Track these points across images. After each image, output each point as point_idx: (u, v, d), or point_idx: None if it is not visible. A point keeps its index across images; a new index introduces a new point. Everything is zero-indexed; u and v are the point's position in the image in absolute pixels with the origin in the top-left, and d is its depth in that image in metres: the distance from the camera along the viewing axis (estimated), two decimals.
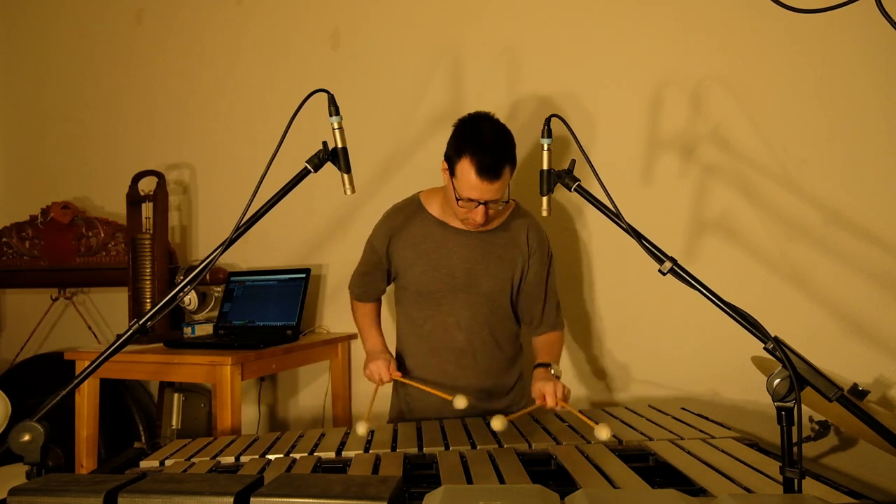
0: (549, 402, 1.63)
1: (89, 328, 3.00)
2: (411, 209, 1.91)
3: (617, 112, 2.26)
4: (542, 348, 1.89)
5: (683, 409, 1.79)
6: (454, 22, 2.48)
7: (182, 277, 2.03)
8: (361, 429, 1.58)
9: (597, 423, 1.48)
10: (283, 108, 2.55)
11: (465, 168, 1.65)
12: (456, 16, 2.48)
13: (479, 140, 1.66)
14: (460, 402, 1.66)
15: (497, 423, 1.53)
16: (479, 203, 1.68)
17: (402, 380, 1.86)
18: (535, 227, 1.91)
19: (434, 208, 1.89)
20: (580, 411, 1.62)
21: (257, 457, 1.48)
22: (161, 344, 2.39)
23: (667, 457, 1.34)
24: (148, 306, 2.56)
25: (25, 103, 3.29)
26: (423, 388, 1.81)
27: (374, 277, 1.97)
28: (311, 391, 2.71)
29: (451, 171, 1.70)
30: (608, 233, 2.28)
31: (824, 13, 1.21)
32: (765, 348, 1.04)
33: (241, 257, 2.79)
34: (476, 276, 1.85)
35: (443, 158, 1.75)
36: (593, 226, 2.32)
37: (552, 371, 1.76)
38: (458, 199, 1.70)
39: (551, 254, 1.95)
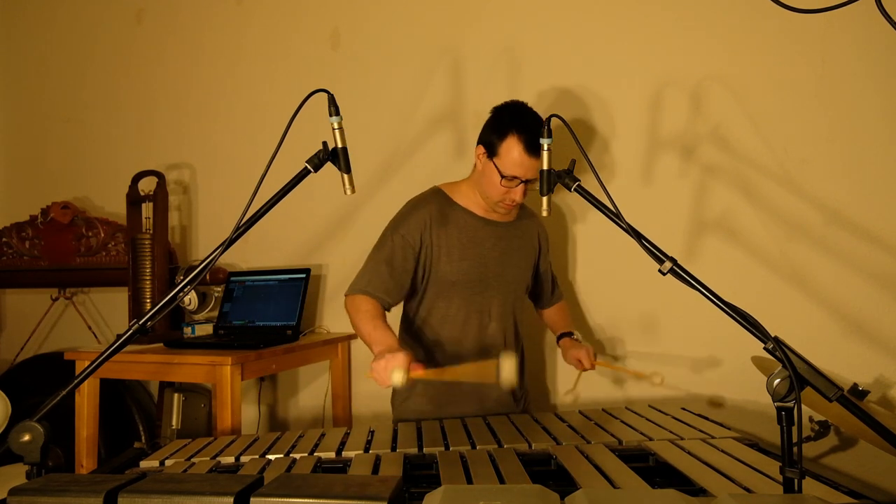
0: (586, 364, 1.92)
1: (89, 328, 3.00)
2: (440, 201, 1.90)
3: (617, 112, 2.27)
4: (557, 319, 2.13)
5: (683, 409, 1.79)
6: (454, 22, 2.48)
7: (182, 277, 2.03)
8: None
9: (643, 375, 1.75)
10: (283, 108, 2.54)
11: (512, 145, 1.74)
12: (456, 16, 2.48)
13: (524, 120, 1.77)
14: (508, 371, 1.50)
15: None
16: (521, 181, 1.77)
17: (426, 375, 1.65)
18: (541, 223, 2.07)
19: (461, 199, 1.91)
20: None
21: (257, 457, 1.48)
22: (161, 344, 2.39)
23: (667, 457, 1.33)
24: (148, 306, 2.56)
25: (25, 103, 3.29)
26: (450, 369, 1.77)
27: (403, 271, 1.83)
28: (311, 391, 2.71)
29: (492, 153, 1.78)
30: (608, 233, 2.27)
31: (824, 13, 1.21)
32: (765, 348, 1.04)
33: (241, 257, 2.79)
34: (505, 266, 1.92)
35: (478, 144, 1.84)
36: (593, 226, 2.32)
37: (576, 337, 2.02)
38: (502, 178, 1.77)
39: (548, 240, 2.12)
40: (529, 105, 1.84)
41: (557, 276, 2.21)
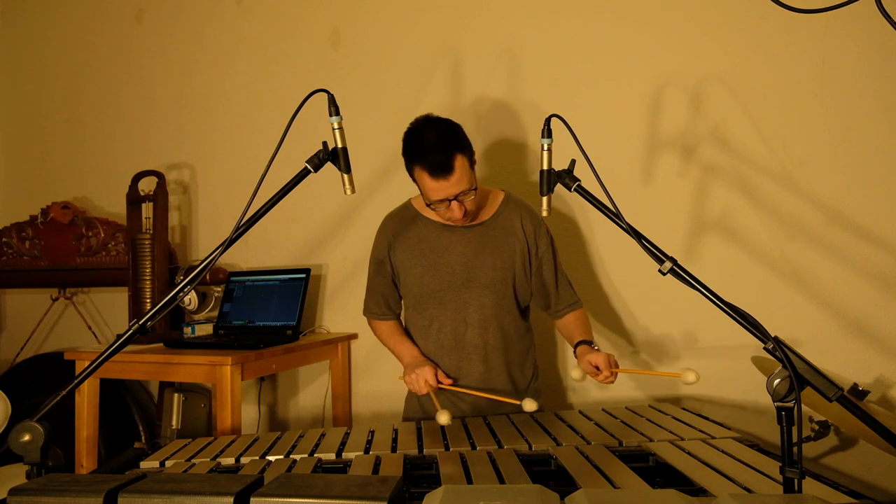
0: (605, 371, 1.68)
1: (89, 328, 3.00)
2: (405, 214, 1.94)
3: (617, 112, 2.27)
4: (574, 328, 1.91)
5: (683, 409, 1.79)
6: (454, 22, 2.48)
7: (182, 277, 2.03)
8: (444, 417, 1.57)
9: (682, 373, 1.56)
10: (283, 108, 2.56)
11: (421, 175, 1.71)
12: (456, 16, 2.48)
13: (423, 144, 1.71)
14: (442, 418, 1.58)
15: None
16: (450, 200, 1.73)
17: (453, 388, 1.82)
18: (529, 212, 1.92)
19: (427, 211, 1.89)
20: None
21: (257, 457, 1.48)
22: (161, 344, 2.39)
23: (667, 457, 1.33)
24: (148, 306, 2.56)
25: (25, 103, 3.29)
26: (479, 394, 1.79)
27: (389, 290, 1.96)
28: (311, 391, 2.71)
29: (415, 182, 1.78)
30: (608, 233, 2.28)
31: (824, 13, 1.21)
32: (765, 348, 1.04)
33: (241, 257, 2.79)
34: (475, 269, 1.86)
35: None
36: (592, 226, 2.32)
37: (595, 346, 1.81)
38: (428, 205, 1.77)
39: (551, 235, 1.95)
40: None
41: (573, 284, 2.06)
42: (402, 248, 1.90)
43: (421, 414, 1.93)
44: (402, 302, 1.99)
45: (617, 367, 1.71)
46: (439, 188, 1.69)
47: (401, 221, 1.93)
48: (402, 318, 2.03)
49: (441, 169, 1.67)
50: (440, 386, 1.79)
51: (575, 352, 1.83)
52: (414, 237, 1.89)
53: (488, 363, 1.87)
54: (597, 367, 1.69)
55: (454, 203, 1.73)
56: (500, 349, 1.88)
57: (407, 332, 1.99)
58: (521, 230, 1.89)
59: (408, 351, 1.90)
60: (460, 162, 1.68)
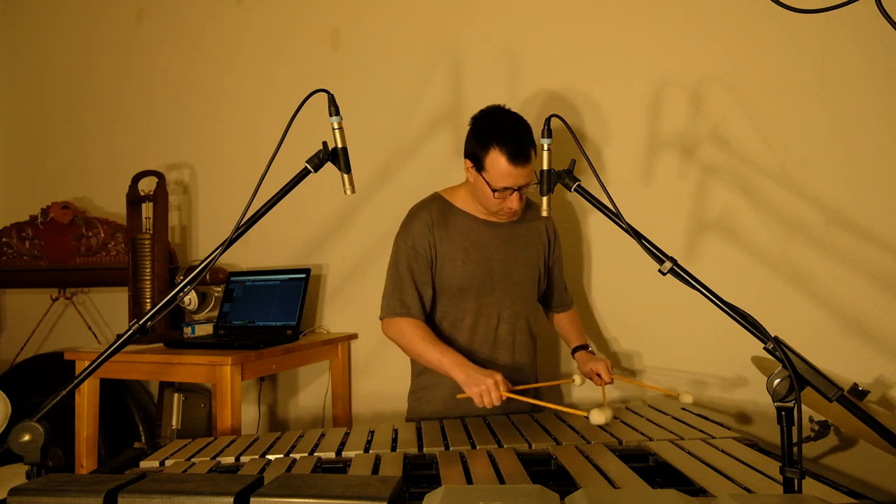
0: (605, 378, 1.83)
1: (89, 328, 3.00)
2: (440, 205, 1.91)
3: (617, 112, 2.27)
4: (570, 330, 2.07)
5: (683, 409, 1.79)
6: (454, 21, 2.48)
7: (182, 277, 2.03)
8: (599, 417, 1.52)
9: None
10: (283, 108, 2.55)
11: (496, 158, 1.71)
12: (455, 15, 2.48)
13: (503, 129, 1.73)
14: (598, 418, 1.53)
15: (599, 417, 1.53)
16: (514, 190, 1.74)
17: (516, 396, 1.66)
18: (550, 216, 1.94)
19: (461, 203, 1.90)
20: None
21: (257, 457, 1.48)
22: (161, 344, 2.39)
23: (667, 457, 1.33)
24: (148, 306, 2.56)
25: (25, 103, 3.29)
26: (551, 406, 1.63)
27: (425, 280, 1.85)
28: (311, 391, 2.71)
29: (480, 167, 1.76)
30: (608, 233, 2.28)
31: (824, 13, 1.21)
32: (765, 348, 1.04)
33: (241, 257, 2.79)
34: (511, 267, 1.90)
35: (464, 158, 1.81)
36: (592, 226, 2.32)
37: (591, 350, 1.98)
38: (493, 192, 1.75)
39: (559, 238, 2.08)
40: (521, 110, 1.80)
41: (568, 282, 2.15)
42: (445, 238, 1.86)
43: (444, 413, 1.83)
44: (434, 293, 1.89)
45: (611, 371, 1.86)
46: (513, 175, 1.71)
47: (438, 212, 1.89)
48: (437, 310, 1.91)
49: (520, 156, 1.69)
50: (511, 395, 1.64)
51: (574, 355, 2.00)
52: (454, 229, 1.88)
53: (515, 358, 1.91)
54: (598, 374, 1.84)
55: (516, 193, 1.75)
56: (527, 345, 1.95)
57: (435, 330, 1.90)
58: (546, 232, 2.00)
59: (460, 362, 1.71)
60: (533, 155, 1.72)
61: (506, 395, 1.62)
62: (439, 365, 1.75)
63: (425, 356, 1.78)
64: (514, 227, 1.92)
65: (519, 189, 1.75)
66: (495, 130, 1.72)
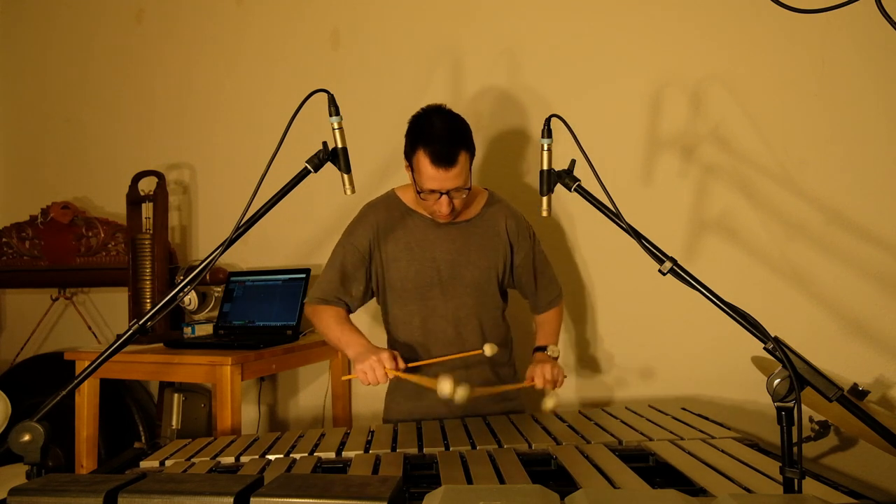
0: (538, 384, 1.75)
1: (89, 328, 3.00)
2: (389, 204, 1.91)
3: (617, 112, 2.26)
4: (539, 329, 2.00)
5: (683, 409, 1.79)
6: (454, 22, 2.48)
7: (182, 277, 2.03)
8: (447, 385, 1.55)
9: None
10: (283, 108, 2.55)
11: (421, 160, 1.68)
12: (456, 15, 2.48)
13: (431, 131, 1.69)
14: (453, 392, 1.57)
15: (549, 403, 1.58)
16: (441, 193, 1.71)
17: (404, 375, 1.66)
18: (512, 212, 1.93)
19: (413, 202, 1.88)
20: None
21: (257, 457, 1.48)
22: (161, 344, 2.39)
23: (667, 457, 1.33)
24: (148, 306, 2.56)
25: (25, 103, 3.29)
26: (443, 358, 1.75)
27: (357, 277, 1.87)
28: (311, 391, 2.71)
29: (410, 167, 1.75)
30: (608, 233, 2.28)
31: (824, 13, 1.21)
32: (765, 348, 1.04)
33: (241, 257, 2.79)
34: (460, 267, 1.85)
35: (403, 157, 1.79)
36: (592, 226, 2.32)
37: (549, 353, 1.88)
38: (419, 193, 1.73)
39: (533, 233, 1.96)
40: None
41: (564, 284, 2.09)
42: (389, 240, 1.86)
43: (416, 413, 1.84)
44: (381, 297, 1.90)
45: (557, 384, 1.77)
46: (437, 178, 1.68)
47: (387, 212, 1.89)
48: (382, 313, 1.95)
49: (445, 159, 1.66)
50: (400, 372, 1.64)
51: (532, 355, 1.92)
52: (401, 230, 1.87)
53: (467, 360, 1.84)
54: (533, 378, 1.77)
55: (444, 197, 1.71)
56: (477, 346, 1.84)
57: (386, 331, 1.94)
58: (505, 231, 1.90)
59: (356, 341, 1.74)
60: (463, 158, 1.69)
61: (392, 373, 1.62)
62: (338, 342, 1.79)
63: (330, 335, 1.82)
64: (468, 227, 1.87)
65: (447, 193, 1.70)
66: (425, 132, 1.70)
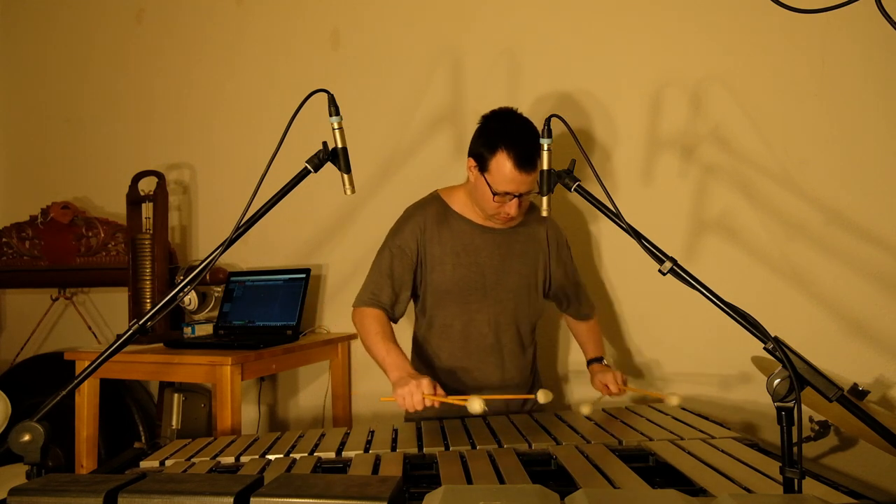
0: (613, 390, 1.85)
1: (89, 328, 3.00)
2: (436, 207, 1.89)
3: (617, 112, 2.27)
4: (587, 340, 2.06)
5: (683, 409, 1.79)
6: (454, 22, 2.48)
7: (182, 277, 2.03)
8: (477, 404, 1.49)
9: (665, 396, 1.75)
10: (283, 108, 2.55)
11: (502, 161, 1.67)
12: (456, 16, 2.48)
13: (512, 133, 1.68)
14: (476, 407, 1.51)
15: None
16: (514, 196, 1.71)
17: (443, 399, 1.58)
18: (551, 221, 1.96)
19: (458, 206, 1.88)
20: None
21: (257, 457, 1.48)
22: (161, 344, 2.39)
23: (667, 457, 1.33)
24: (148, 306, 2.56)
25: (25, 103, 3.29)
26: (492, 396, 1.66)
27: (405, 279, 1.83)
28: (311, 391, 2.71)
29: (483, 167, 1.72)
30: (607, 233, 2.28)
31: (824, 13, 1.21)
32: (765, 348, 1.04)
33: (241, 257, 2.79)
34: (503, 273, 1.86)
35: (469, 155, 1.77)
36: (592, 226, 2.32)
37: (605, 362, 1.99)
38: (494, 195, 1.71)
39: (568, 244, 2.02)
40: (521, 110, 1.76)
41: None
42: (437, 241, 1.84)
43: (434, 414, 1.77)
44: (420, 300, 1.89)
45: (625, 384, 1.88)
46: (516, 181, 1.67)
47: (434, 215, 1.87)
48: (418, 316, 1.93)
49: (527, 162, 1.65)
50: (438, 399, 1.58)
51: (588, 367, 2.01)
52: (447, 233, 1.85)
53: (504, 365, 1.88)
54: (606, 385, 1.86)
55: (516, 199, 1.71)
56: (513, 352, 1.89)
57: (415, 336, 1.94)
58: (546, 239, 1.94)
59: (399, 365, 1.66)
60: (538, 165, 1.67)
61: (429, 399, 1.56)
62: (382, 362, 1.70)
63: (373, 349, 1.74)
64: (512, 234, 1.88)
65: (520, 196, 1.71)
66: (505, 133, 1.69)
